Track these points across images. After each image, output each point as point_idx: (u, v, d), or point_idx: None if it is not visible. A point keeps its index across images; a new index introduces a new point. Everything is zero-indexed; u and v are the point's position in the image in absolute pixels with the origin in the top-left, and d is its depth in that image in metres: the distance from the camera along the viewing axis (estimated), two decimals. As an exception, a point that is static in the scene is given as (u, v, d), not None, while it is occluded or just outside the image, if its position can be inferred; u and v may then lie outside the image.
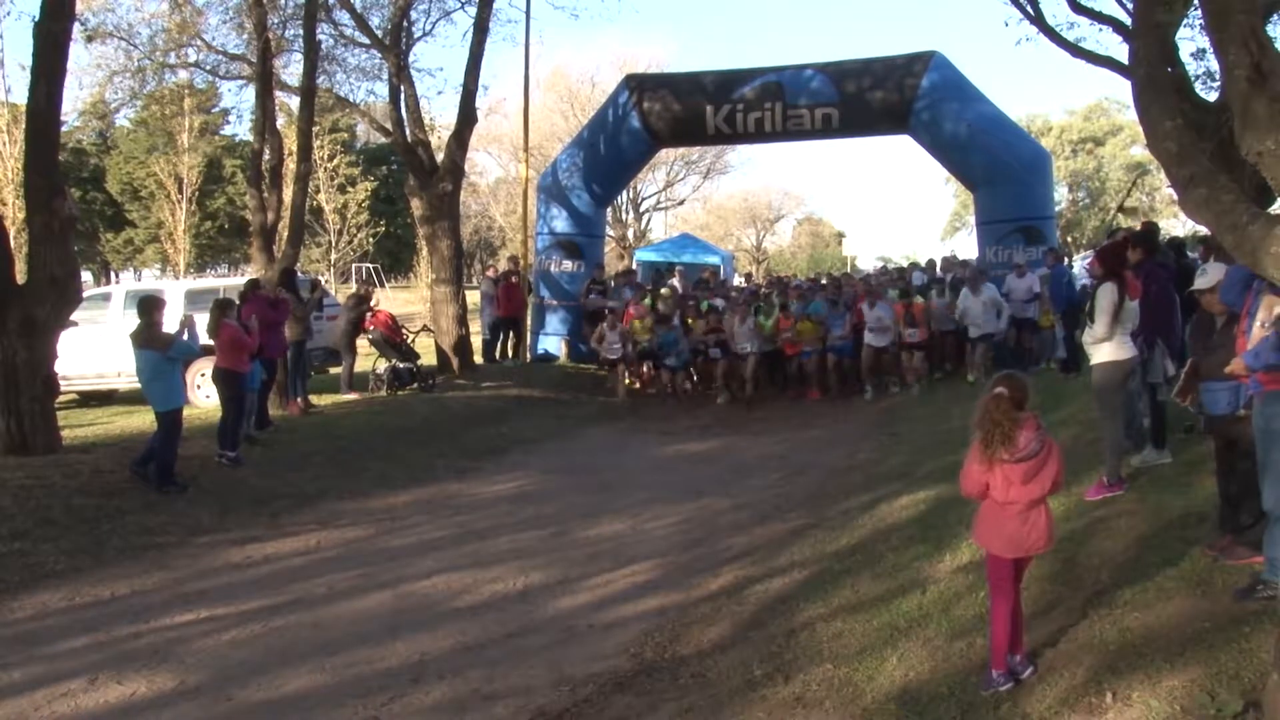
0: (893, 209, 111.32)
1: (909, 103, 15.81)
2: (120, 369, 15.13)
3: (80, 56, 16.92)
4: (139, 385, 10.05)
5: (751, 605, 6.39)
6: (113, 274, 49.16)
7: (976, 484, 4.48)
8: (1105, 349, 6.87)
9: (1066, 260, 17.54)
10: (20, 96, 22.77)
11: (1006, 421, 4.33)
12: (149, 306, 9.60)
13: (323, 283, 18.97)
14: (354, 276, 31.72)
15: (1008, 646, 4.48)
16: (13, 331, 9.86)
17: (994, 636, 4.51)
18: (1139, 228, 9.90)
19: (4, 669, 5.63)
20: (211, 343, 10.88)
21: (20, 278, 10.81)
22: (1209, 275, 5.58)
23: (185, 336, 9.68)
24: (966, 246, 52.97)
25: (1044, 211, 15.99)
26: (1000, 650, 4.47)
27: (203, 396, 14.94)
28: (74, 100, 23.63)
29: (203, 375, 14.51)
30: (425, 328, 19.36)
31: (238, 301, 11.61)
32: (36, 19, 9.89)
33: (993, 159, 15.44)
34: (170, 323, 10.46)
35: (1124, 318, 6.83)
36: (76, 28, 12.44)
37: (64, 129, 15.74)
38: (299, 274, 15.69)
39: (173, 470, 9.49)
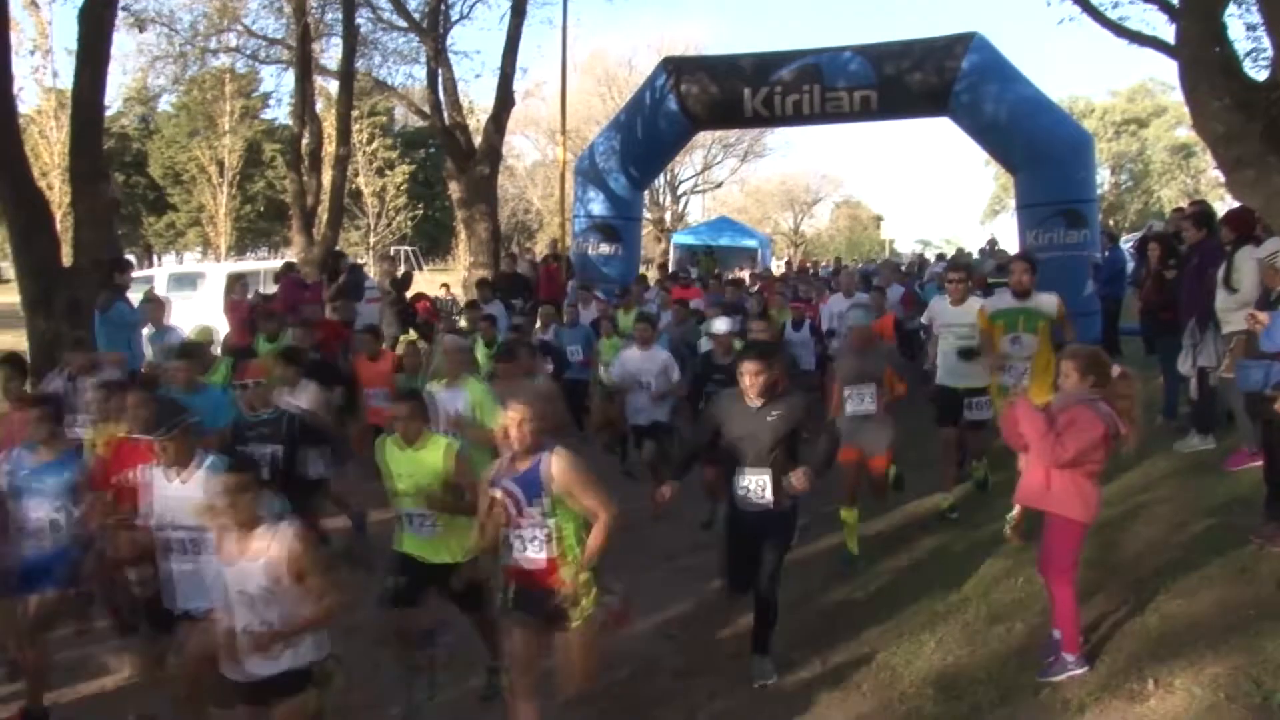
0: (932, 192, 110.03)
1: (948, 85, 15.55)
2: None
3: (124, 43, 17.17)
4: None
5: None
6: (154, 257, 49.76)
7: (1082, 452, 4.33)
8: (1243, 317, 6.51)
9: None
10: (67, 83, 23.09)
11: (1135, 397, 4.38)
12: (111, 268, 9.68)
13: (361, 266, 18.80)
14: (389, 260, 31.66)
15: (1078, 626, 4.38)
16: (59, 314, 10.02)
17: (1063, 618, 4.39)
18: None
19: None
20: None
21: (66, 261, 10.99)
22: (1268, 245, 5.44)
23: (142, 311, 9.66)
24: (1007, 229, 52.38)
25: (1086, 194, 15.68)
26: (1073, 632, 4.35)
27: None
28: (117, 86, 24.07)
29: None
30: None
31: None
32: (82, 4, 10.02)
33: (1033, 141, 15.16)
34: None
35: None
36: (122, 14, 12.56)
37: (108, 115, 15.95)
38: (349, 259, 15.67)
39: None
